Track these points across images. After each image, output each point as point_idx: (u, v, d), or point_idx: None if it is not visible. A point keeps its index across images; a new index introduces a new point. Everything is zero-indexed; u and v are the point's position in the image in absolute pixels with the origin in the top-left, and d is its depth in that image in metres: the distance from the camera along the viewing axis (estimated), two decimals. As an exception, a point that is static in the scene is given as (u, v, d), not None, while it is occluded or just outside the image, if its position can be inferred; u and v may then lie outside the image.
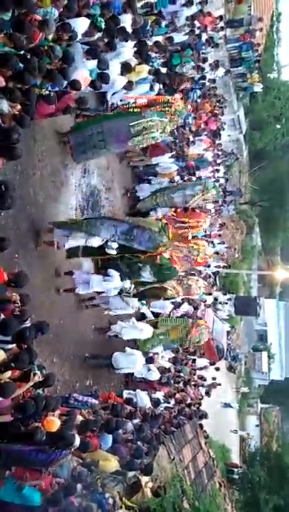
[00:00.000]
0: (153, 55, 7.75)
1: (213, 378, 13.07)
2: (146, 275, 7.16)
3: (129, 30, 6.61)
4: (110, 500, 5.34)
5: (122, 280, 6.97)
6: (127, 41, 6.65)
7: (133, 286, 7.21)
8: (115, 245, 6.72)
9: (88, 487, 5.03)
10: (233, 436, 19.26)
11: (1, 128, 4.30)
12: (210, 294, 14.10)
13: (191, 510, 7.74)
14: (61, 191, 7.16)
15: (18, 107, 4.41)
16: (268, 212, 25.52)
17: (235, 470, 16.65)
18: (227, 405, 14.33)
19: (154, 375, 8.43)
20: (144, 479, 6.20)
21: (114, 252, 6.73)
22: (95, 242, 6.62)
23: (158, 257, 7.06)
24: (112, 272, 6.89)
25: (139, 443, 6.45)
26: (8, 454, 4.34)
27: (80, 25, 5.59)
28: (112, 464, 5.77)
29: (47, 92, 5.15)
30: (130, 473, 6.07)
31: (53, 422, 4.36)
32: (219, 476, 11.66)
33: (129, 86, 6.96)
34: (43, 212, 6.53)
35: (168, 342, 8.84)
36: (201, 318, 10.64)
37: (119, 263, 6.98)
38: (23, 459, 4.35)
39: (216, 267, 15.01)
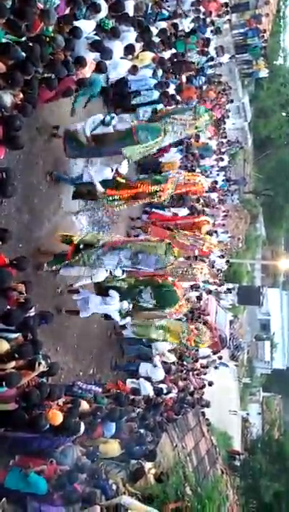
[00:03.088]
0: (156, 40, 7.65)
1: (220, 358, 13.11)
2: (147, 298, 6.98)
3: (132, 15, 6.53)
4: (114, 487, 5.43)
5: (120, 301, 6.84)
6: (133, 27, 6.57)
7: (131, 306, 7.03)
8: (119, 272, 6.59)
9: (92, 474, 5.11)
10: (235, 423, 19.42)
11: (4, 116, 4.27)
12: (214, 283, 14.12)
13: (193, 496, 7.85)
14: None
15: (21, 95, 4.37)
16: (272, 202, 25.33)
17: (237, 457, 16.84)
18: (222, 364, 14.32)
19: (159, 373, 8.32)
20: (148, 466, 6.29)
21: (120, 273, 6.57)
22: (101, 276, 6.44)
23: (160, 279, 6.91)
24: (112, 292, 6.72)
25: (142, 431, 6.53)
26: (13, 441, 4.40)
27: (86, 27, 5.51)
28: (114, 446, 5.82)
29: (48, 75, 5.08)
30: (133, 460, 6.15)
31: (56, 416, 4.41)
32: (221, 463, 11.81)
33: (133, 70, 6.89)
34: (46, 202, 6.51)
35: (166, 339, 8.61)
36: (204, 309, 10.58)
37: (119, 285, 6.86)
38: (27, 447, 4.41)
39: (224, 260, 14.98)
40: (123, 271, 6.63)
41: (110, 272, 6.53)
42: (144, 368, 8.26)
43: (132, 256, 6.34)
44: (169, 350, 8.94)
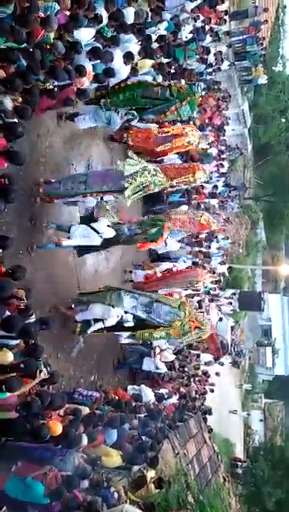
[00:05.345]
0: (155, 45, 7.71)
1: (217, 374, 13.12)
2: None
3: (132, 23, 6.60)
4: (115, 495, 5.37)
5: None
6: (134, 34, 6.64)
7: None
8: (130, 317, 6.71)
9: (94, 483, 5.05)
10: (237, 430, 19.30)
11: (5, 123, 4.29)
12: (214, 289, 14.11)
13: (195, 503, 7.77)
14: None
15: (20, 99, 4.39)
16: (273, 207, 25.39)
17: (239, 464, 16.74)
18: (220, 363, 14.53)
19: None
20: (150, 474, 6.23)
21: (131, 324, 6.73)
22: (112, 321, 6.53)
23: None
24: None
25: (143, 438, 6.48)
26: (14, 449, 4.36)
27: (84, 36, 5.56)
28: (114, 459, 5.79)
29: (51, 86, 5.12)
30: (135, 468, 6.10)
31: (56, 426, 4.39)
32: (223, 470, 11.69)
33: (134, 73, 6.96)
34: (46, 208, 6.52)
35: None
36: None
37: None
38: (28, 455, 4.38)
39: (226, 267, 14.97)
40: (133, 317, 6.80)
41: (121, 317, 6.66)
42: (148, 364, 8.43)
43: (148, 303, 6.78)
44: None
